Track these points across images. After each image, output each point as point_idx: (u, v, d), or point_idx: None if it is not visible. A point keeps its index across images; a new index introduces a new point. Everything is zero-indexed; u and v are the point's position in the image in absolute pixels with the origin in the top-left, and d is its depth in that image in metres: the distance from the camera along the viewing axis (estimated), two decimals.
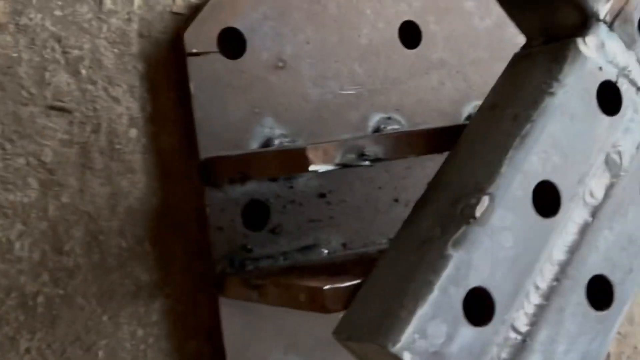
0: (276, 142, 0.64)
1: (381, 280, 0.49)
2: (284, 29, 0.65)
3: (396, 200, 0.69)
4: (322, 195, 0.66)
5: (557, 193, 0.50)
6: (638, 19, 0.54)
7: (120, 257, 0.60)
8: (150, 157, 0.61)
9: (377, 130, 0.69)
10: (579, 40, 0.52)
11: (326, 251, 0.66)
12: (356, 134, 0.68)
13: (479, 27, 0.74)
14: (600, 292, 0.52)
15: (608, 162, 0.52)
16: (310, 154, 0.50)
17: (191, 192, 0.62)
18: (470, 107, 0.73)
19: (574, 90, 0.51)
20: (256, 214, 0.64)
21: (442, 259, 0.47)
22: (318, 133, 0.66)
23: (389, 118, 0.70)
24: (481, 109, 0.54)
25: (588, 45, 0.52)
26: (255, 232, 0.63)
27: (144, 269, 0.61)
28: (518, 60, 0.56)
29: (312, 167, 0.50)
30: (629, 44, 0.54)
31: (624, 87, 0.53)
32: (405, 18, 0.71)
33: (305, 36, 0.66)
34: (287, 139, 0.65)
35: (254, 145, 0.64)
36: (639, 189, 0.53)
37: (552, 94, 0.51)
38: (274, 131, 0.64)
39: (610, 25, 0.53)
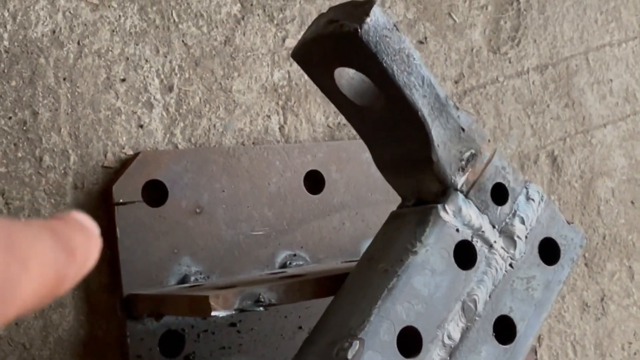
0: (192, 278, 0.73)
1: None
2: (202, 179, 0.75)
3: (300, 328, 0.79)
4: (233, 325, 0.75)
5: (419, 337, 0.60)
6: (491, 187, 0.66)
7: None
8: (79, 293, 0.70)
9: (284, 265, 0.79)
10: (440, 207, 0.63)
11: None
12: (265, 269, 0.78)
13: (375, 174, 0.84)
14: None
15: (464, 308, 0.63)
16: (212, 302, 0.59)
17: (114, 324, 0.71)
18: (368, 243, 0.83)
19: (434, 249, 0.62)
20: (172, 342, 0.72)
21: None
22: (230, 269, 0.76)
23: (295, 255, 0.80)
24: (361, 260, 0.65)
25: (447, 211, 0.63)
26: (171, 359, 0.72)
27: None
28: (393, 218, 0.66)
29: (213, 313, 0.59)
30: (483, 209, 0.65)
31: (478, 245, 0.64)
32: (310, 168, 0.81)
33: (220, 185, 0.76)
34: (202, 276, 0.74)
35: (172, 282, 0.73)
36: (491, 330, 0.64)
37: (415, 252, 0.61)
38: (190, 269, 0.74)
39: (467, 194, 0.64)
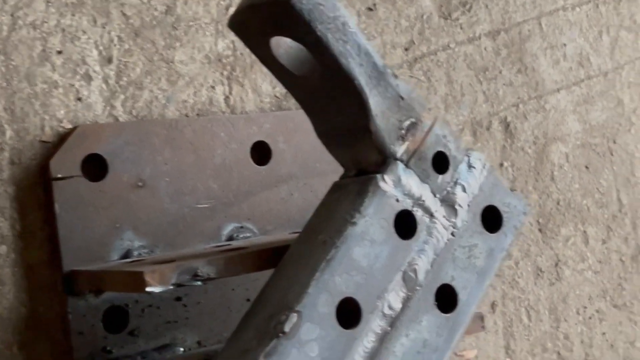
0: (135, 253, 0.72)
1: None
2: (143, 152, 0.74)
3: (248, 300, 0.78)
4: (179, 299, 0.75)
5: (359, 308, 0.60)
6: (432, 156, 0.65)
7: None
8: (19, 270, 0.69)
9: (230, 238, 0.78)
10: (379, 177, 0.62)
11: (182, 349, 0.74)
12: (211, 242, 0.77)
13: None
14: None
15: (405, 278, 0.62)
16: (148, 277, 0.59)
17: (56, 301, 0.70)
18: None
19: (373, 219, 0.61)
20: (116, 318, 0.72)
21: None
22: (175, 243, 0.75)
23: (242, 227, 0.79)
24: (303, 231, 0.64)
25: (387, 181, 0.62)
26: (115, 334, 0.71)
27: None
28: (334, 189, 0.66)
29: (148, 289, 0.59)
30: (424, 178, 0.64)
31: (418, 214, 0.64)
32: (257, 139, 0.80)
33: (163, 158, 0.75)
34: (145, 250, 0.73)
35: (115, 257, 0.72)
36: (433, 299, 0.63)
37: (354, 223, 0.61)
38: (133, 243, 0.73)
39: (407, 163, 0.64)
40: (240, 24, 0.63)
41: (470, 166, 0.67)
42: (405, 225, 0.63)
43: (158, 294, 0.73)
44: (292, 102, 0.85)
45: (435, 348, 0.63)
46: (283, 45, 0.63)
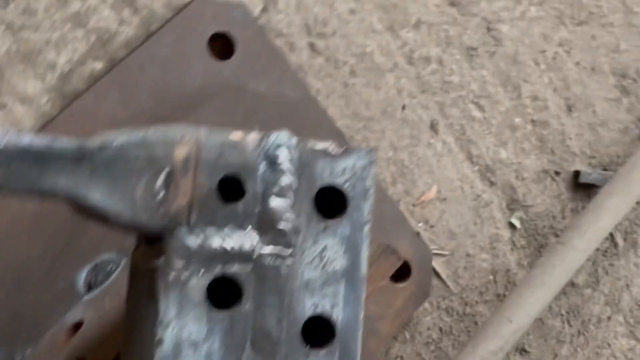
0: None
1: None
2: None
3: None
4: None
5: None
6: (214, 190, 0.49)
7: None
8: None
9: (90, 285, 0.66)
10: (161, 266, 0.47)
11: None
12: (71, 301, 0.65)
13: None
14: None
15: (256, 347, 0.50)
16: None
17: None
18: None
19: (181, 320, 0.48)
20: None
21: None
22: (30, 336, 0.64)
23: (96, 265, 0.67)
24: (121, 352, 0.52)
25: (173, 263, 0.48)
26: None
27: None
28: (132, 272, 0.52)
29: None
30: (221, 222, 0.49)
31: (235, 269, 0.49)
32: None
33: None
34: None
35: None
36: (302, 345, 0.51)
37: (160, 342, 0.47)
38: None
39: (189, 223, 0.48)
40: None
41: (272, 163, 0.50)
42: (225, 290, 0.49)
43: None
44: None
45: None
46: None
